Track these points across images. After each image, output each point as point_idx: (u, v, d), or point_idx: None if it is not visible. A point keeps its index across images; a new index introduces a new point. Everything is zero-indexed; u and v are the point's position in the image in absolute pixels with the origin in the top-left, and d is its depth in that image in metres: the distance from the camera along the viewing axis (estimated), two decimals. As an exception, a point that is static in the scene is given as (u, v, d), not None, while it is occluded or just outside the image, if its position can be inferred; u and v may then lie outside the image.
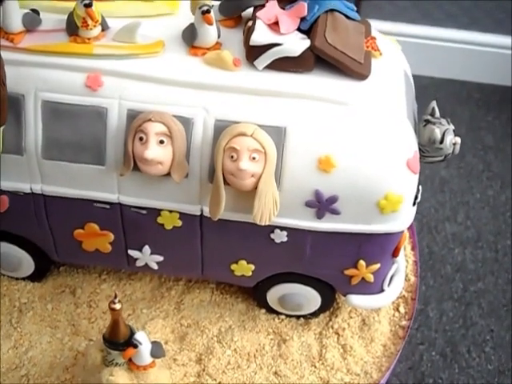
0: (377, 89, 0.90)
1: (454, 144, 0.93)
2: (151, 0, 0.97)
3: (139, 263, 1.01)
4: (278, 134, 0.87)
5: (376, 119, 0.88)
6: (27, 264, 1.07)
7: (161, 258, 1.00)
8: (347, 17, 0.94)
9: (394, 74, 0.94)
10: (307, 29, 0.91)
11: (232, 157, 0.84)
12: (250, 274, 1.00)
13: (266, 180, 0.86)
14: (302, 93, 0.87)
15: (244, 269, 1.00)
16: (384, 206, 0.89)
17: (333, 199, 0.89)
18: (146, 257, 1.00)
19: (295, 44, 0.87)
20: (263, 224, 0.88)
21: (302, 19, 0.91)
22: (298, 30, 0.91)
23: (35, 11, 0.93)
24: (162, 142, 0.85)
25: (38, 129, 0.90)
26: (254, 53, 0.88)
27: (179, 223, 0.95)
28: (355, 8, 0.97)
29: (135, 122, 0.86)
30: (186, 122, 0.87)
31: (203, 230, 0.95)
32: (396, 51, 1.00)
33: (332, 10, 0.92)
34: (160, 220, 0.95)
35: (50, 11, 0.95)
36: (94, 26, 0.89)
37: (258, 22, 0.90)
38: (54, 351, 1.01)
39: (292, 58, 0.87)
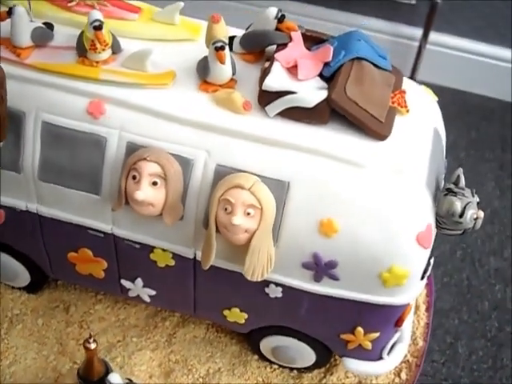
0: (396, 151, 0.81)
1: (476, 219, 0.83)
2: (173, 23, 0.91)
3: (131, 294, 0.96)
4: (281, 189, 0.79)
5: (389, 185, 0.79)
6: (23, 276, 1.03)
7: (153, 292, 0.95)
8: (377, 66, 0.85)
9: (419, 133, 0.85)
10: (329, 76, 0.83)
11: (226, 209, 0.78)
12: (243, 321, 0.94)
13: (261, 237, 0.79)
14: (312, 147, 0.79)
15: (237, 316, 0.93)
16: (387, 279, 0.81)
17: (332, 264, 0.81)
18: (139, 289, 0.95)
19: (310, 94, 0.79)
20: (255, 280, 0.82)
21: (326, 64, 0.83)
22: (321, 75, 0.83)
23: (49, 25, 0.88)
24: (155, 183, 0.79)
25: (36, 149, 0.85)
26: (265, 98, 0.81)
27: (172, 262, 0.89)
28: (387, 56, 0.88)
29: (130, 159, 0.80)
30: (186, 163, 0.81)
31: (196, 272, 0.89)
32: (429, 105, 0.90)
33: (359, 58, 0.83)
34: (153, 257, 0.89)
35: (67, 24, 0.90)
36: (103, 49, 0.83)
37: (276, 65, 0.82)
38: (37, 369, 0.98)
39: (306, 108, 0.80)
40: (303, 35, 0.86)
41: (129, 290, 0.96)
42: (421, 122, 0.86)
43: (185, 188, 0.81)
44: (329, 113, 0.80)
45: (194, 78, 0.85)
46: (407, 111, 0.84)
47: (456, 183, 0.85)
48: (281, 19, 0.85)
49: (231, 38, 0.88)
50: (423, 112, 0.88)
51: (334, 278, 0.82)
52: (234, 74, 0.84)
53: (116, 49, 0.85)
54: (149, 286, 0.94)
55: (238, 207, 0.77)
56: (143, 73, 0.84)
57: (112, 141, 0.83)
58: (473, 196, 0.84)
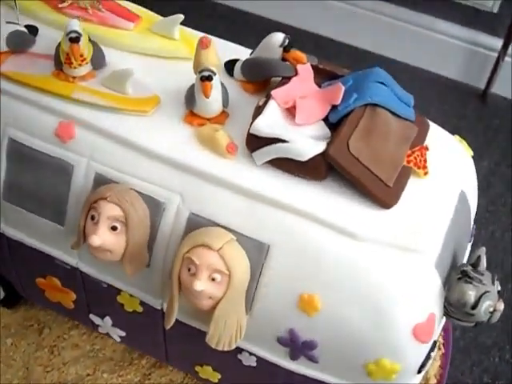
0: (403, 222, 0.66)
1: (494, 312, 0.68)
2: (172, 38, 0.78)
3: (102, 330, 0.86)
4: (260, 251, 0.66)
5: (388, 263, 0.65)
6: (-3, 289, 0.95)
7: (123, 333, 0.84)
8: (396, 114, 0.70)
9: (438, 200, 0.70)
10: (336, 122, 0.69)
11: (190, 269, 0.66)
12: (217, 380, 0.82)
13: (227, 306, 0.66)
14: (302, 208, 0.66)
15: (209, 374, 0.81)
16: (373, 372, 0.67)
17: (311, 345, 0.68)
18: (108, 327, 0.84)
19: (305, 145, 0.65)
20: (220, 349, 0.70)
21: (335, 107, 0.69)
22: (326, 119, 0.69)
23: (33, 28, 0.77)
24: (114, 228, 0.67)
25: (1, 167, 0.75)
26: (253, 142, 0.67)
27: (140, 309, 0.77)
28: (412, 102, 0.72)
29: (92, 196, 0.69)
30: (157, 206, 0.69)
31: (165, 324, 0.78)
32: (459, 163, 0.75)
33: (374, 105, 0.69)
34: (120, 299, 0.78)
35: (56, 27, 0.78)
36: (80, 64, 0.71)
37: (271, 104, 0.68)
38: (-3, 394, 0.89)
39: (299, 161, 0.66)
40: (315, 68, 0.72)
41: (98, 325, 0.85)
42: (443, 184, 0.71)
43: (153, 233, 0.70)
44: (326, 169, 0.66)
45: (182, 107, 0.72)
46: (425, 173, 0.69)
47: (475, 265, 0.69)
48: (287, 48, 0.71)
49: (233, 62, 0.76)
50: (449, 172, 0.73)
51: (313, 359, 0.69)
52: (225, 107, 0.71)
53: (98, 63, 0.73)
54: (118, 327, 0.83)
55: (203, 270, 0.65)
56: (122, 95, 0.72)
57: (79, 169, 0.71)
58: (493, 283, 0.69)
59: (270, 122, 0.67)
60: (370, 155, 0.66)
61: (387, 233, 0.66)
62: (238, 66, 0.74)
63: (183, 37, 0.78)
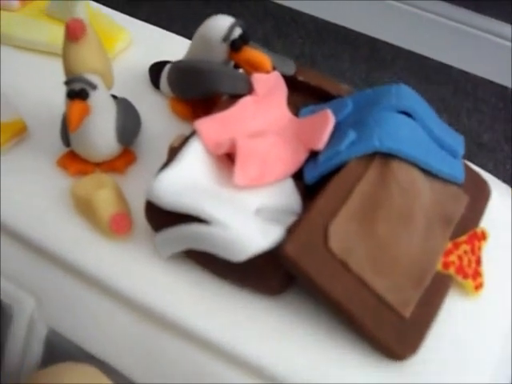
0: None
1: None
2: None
3: None
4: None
5: None
6: None
7: None
8: (428, 172, 0.36)
9: (500, 340, 0.36)
10: (313, 183, 0.36)
11: None
12: None
13: None
14: (231, 352, 0.33)
15: None
16: None
17: None
18: None
19: (241, 232, 0.32)
20: None
21: (315, 154, 0.36)
22: (300, 178, 0.36)
23: None
24: None
25: None
26: (155, 216, 0.35)
27: None
28: (461, 147, 0.38)
29: None
30: (2, 310, 0.38)
31: None
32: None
33: (387, 155, 0.35)
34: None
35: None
36: None
37: (191, 147, 0.35)
38: None
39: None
40: (290, 82, 0.39)
41: None
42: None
43: (-2, 355, 0.39)
44: (282, 277, 0.33)
45: (59, 141, 0.41)
46: (478, 286, 0.35)
47: None
48: (236, 44, 0.38)
49: (162, 66, 0.43)
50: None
51: None
52: (127, 144, 0.39)
53: None
54: None
55: None
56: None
57: None
58: None
59: (184, 181, 0.34)
60: (371, 256, 0.32)
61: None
62: (164, 72, 0.42)
63: (96, 24, 0.46)
